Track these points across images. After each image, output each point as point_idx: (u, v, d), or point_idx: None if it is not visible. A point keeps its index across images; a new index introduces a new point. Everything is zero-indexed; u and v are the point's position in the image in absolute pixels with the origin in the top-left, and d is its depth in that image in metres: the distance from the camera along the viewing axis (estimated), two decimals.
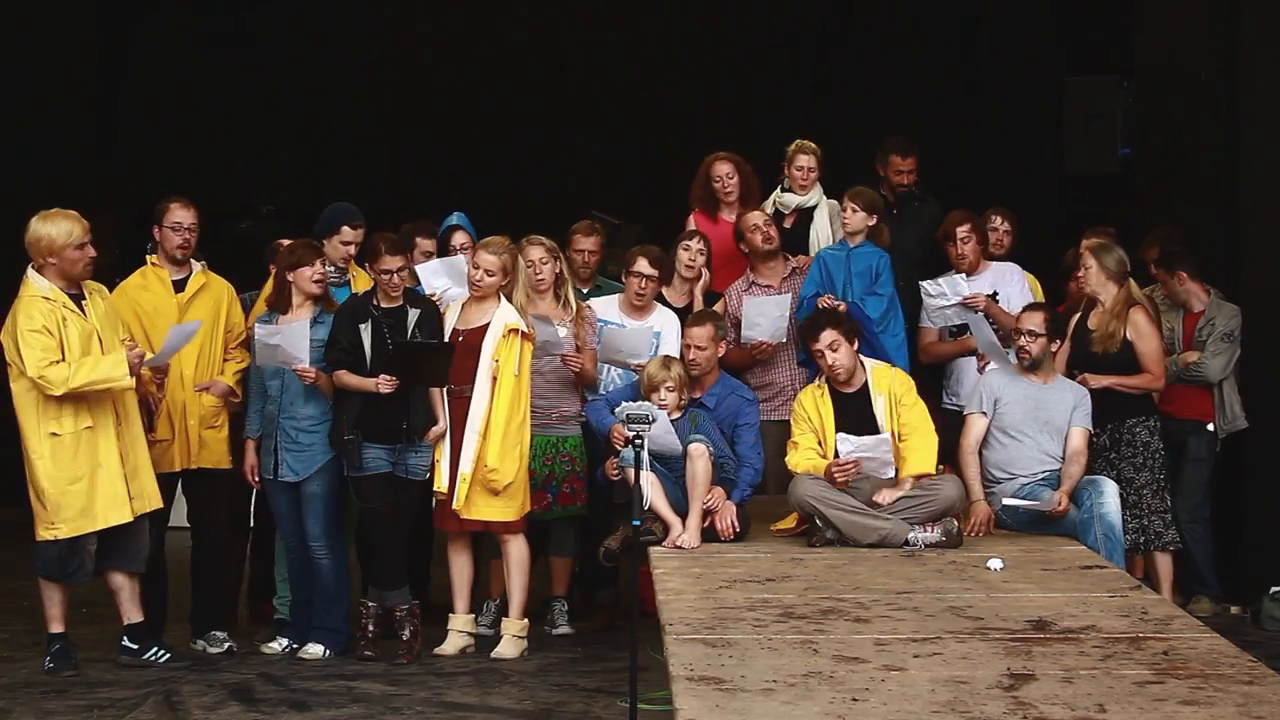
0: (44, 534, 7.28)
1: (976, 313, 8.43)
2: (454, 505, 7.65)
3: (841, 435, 7.49)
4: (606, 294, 8.62)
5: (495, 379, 7.64)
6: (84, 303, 7.34)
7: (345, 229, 8.12)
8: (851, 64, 13.55)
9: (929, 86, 13.18)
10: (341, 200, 8.33)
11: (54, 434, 7.23)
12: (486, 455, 7.60)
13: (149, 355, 7.41)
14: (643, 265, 8.32)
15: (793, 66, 13.66)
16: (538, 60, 13.68)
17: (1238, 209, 9.19)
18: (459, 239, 8.44)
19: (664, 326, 8.33)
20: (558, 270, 8.23)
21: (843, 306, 8.22)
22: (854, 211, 8.51)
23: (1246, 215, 9.13)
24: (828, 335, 7.66)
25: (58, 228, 7.29)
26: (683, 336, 8.01)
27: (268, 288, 8.06)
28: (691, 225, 8.95)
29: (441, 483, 7.68)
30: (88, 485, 7.24)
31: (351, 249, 8.12)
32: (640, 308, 8.38)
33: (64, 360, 7.17)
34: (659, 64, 13.55)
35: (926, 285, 8.65)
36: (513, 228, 8.24)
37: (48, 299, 7.25)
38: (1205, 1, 9.67)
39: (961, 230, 8.64)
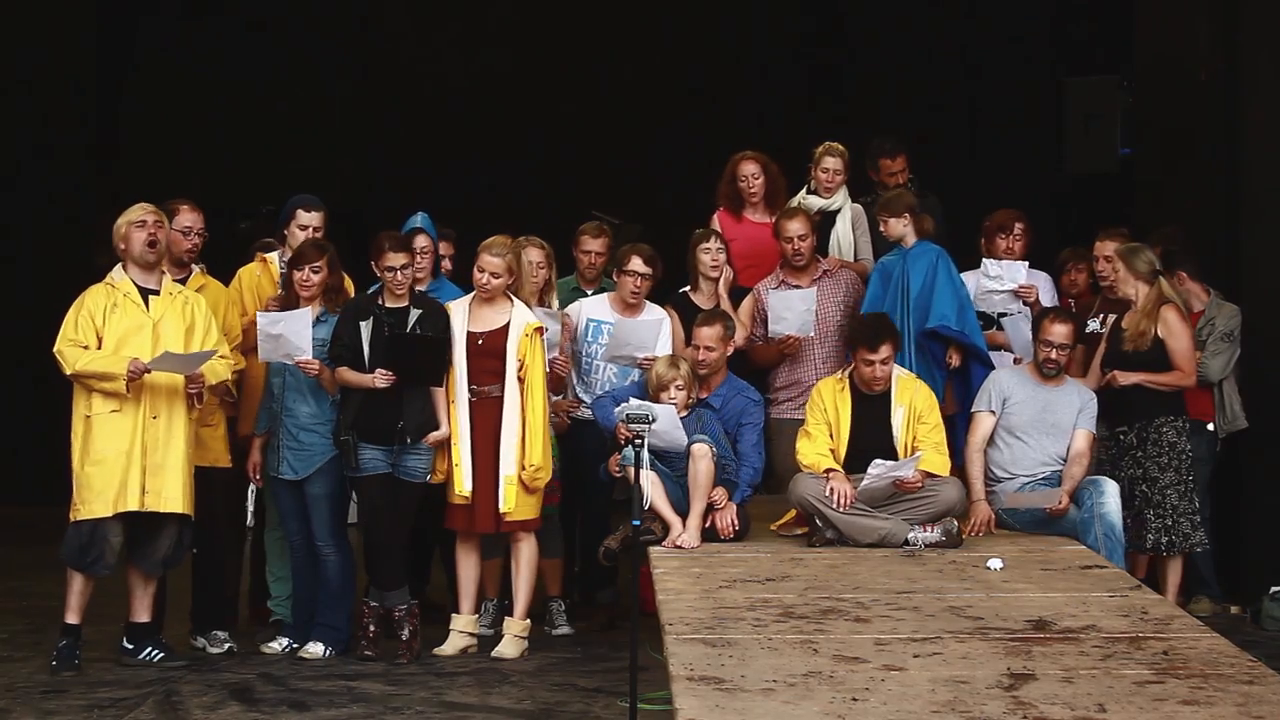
0: (71, 515, 7.37)
1: (1026, 303, 8.44)
2: (502, 508, 7.63)
3: (877, 461, 7.40)
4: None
5: (521, 380, 7.65)
6: (152, 297, 7.43)
7: (299, 213, 8.13)
8: (850, 65, 13.56)
9: (929, 87, 13.18)
10: (345, 197, 8.35)
11: (86, 416, 7.36)
12: (532, 455, 7.62)
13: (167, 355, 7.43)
14: (636, 263, 8.30)
15: (791, 67, 13.67)
16: (538, 61, 13.68)
17: (1238, 209, 9.19)
18: (420, 242, 8.23)
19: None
20: (549, 276, 8.25)
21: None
22: (888, 222, 8.34)
23: (1246, 215, 9.13)
24: (886, 349, 7.58)
25: (126, 212, 7.48)
26: (691, 337, 7.97)
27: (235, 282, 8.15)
28: (715, 224, 8.86)
29: (464, 485, 7.66)
30: (106, 470, 7.30)
31: (310, 233, 8.07)
32: (633, 306, 8.36)
33: (99, 345, 7.31)
34: (660, 65, 13.56)
35: (988, 264, 8.58)
36: (514, 229, 8.23)
37: (110, 285, 7.45)
38: (1205, 1, 9.66)
39: (1018, 226, 8.67)
